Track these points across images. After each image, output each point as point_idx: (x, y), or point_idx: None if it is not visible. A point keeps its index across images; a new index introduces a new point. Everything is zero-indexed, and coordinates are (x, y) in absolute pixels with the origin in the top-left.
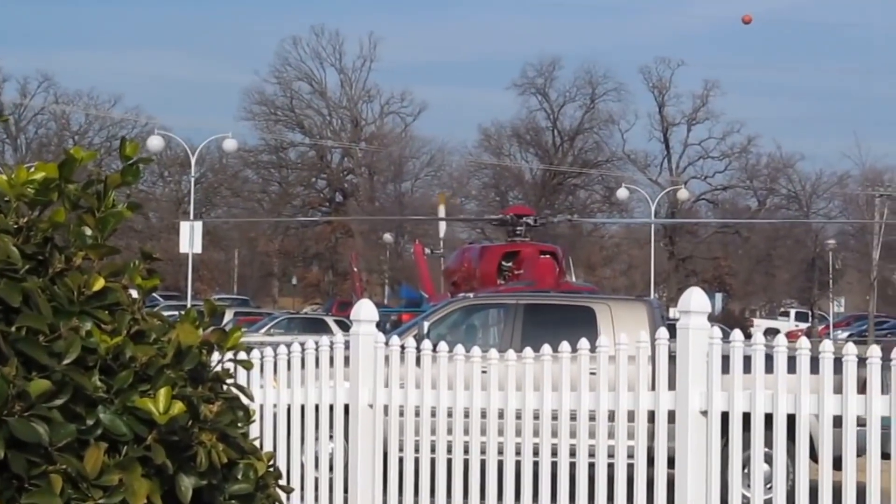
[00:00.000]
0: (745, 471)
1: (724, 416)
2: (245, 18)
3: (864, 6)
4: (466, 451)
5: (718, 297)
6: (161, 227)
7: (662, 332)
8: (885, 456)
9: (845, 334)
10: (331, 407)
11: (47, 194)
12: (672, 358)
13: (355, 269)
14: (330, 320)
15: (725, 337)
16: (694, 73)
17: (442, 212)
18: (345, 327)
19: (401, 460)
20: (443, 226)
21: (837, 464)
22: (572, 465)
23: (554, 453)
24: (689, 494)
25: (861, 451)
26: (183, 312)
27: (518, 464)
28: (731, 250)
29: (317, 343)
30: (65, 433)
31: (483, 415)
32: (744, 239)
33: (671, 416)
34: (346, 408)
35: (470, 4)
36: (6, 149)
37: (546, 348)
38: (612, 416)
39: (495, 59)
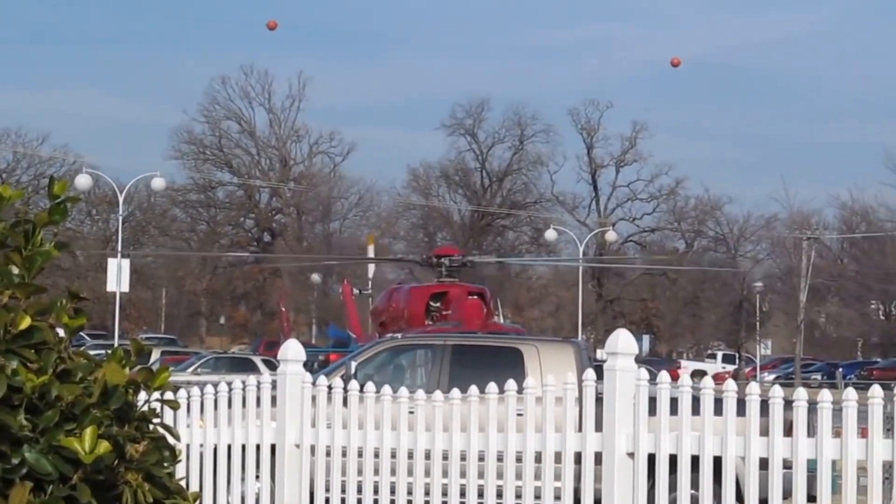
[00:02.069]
0: None
1: (651, 458)
2: (174, 57)
3: (790, 53)
4: (393, 492)
5: (646, 338)
6: (88, 265)
7: (590, 374)
8: (811, 499)
9: (772, 376)
10: (257, 447)
11: None
12: (599, 399)
13: (283, 309)
14: (257, 360)
15: (652, 379)
16: (622, 116)
17: (371, 252)
18: (272, 367)
19: (327, 501)
20: (371, 266)
21: None
22: None
23: (480, 494)
24: None
25: (787, 494)
26: (110, 351)
27: None
28: (659, 292)
29: (244, 382)
30: None
31: (410, 455)
32: (671, 281)
33: (598, 458)
34: (273, 448)
35: (400, 46)
36: None
37: (473, 389)
38: (538, 458)
39: (424, 100)
